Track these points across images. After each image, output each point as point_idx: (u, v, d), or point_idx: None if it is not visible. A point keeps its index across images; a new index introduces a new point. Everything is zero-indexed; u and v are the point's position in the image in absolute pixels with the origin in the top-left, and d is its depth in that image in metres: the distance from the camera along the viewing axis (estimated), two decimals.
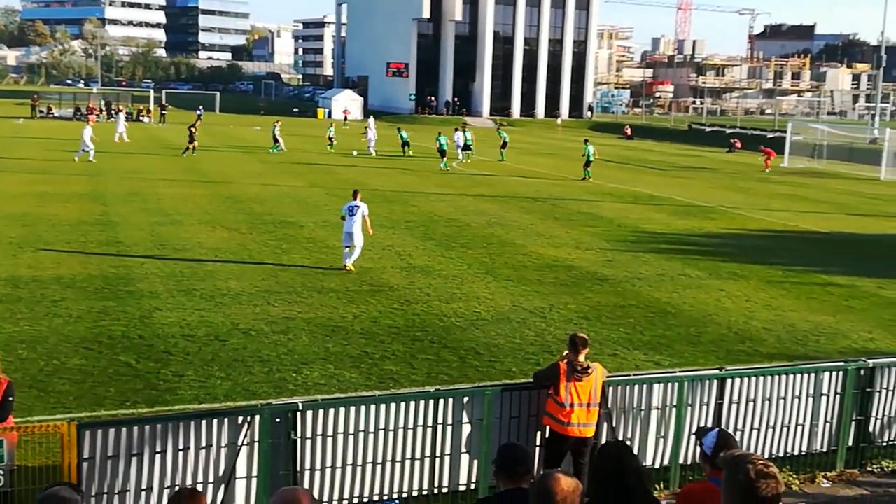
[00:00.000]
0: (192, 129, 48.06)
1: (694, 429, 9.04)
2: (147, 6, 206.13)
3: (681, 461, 9.78)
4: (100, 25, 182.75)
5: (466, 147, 50.85)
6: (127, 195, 31.33)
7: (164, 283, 18.28)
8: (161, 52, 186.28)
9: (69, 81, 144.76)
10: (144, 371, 12.95)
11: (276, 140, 52.22)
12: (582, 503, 4.20)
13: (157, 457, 8.03)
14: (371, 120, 63.10)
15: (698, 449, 6.55)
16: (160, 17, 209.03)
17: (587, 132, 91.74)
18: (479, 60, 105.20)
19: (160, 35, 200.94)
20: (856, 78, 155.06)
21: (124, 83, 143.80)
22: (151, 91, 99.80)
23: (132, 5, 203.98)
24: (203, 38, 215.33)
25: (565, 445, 9.02)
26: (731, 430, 9.91)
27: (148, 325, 15.26)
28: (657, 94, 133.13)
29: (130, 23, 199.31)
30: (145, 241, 22.87)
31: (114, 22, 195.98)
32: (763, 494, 3.75)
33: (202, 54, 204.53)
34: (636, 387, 9.62)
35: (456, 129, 54.40)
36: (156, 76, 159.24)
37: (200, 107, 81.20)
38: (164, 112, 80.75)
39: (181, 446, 8.12)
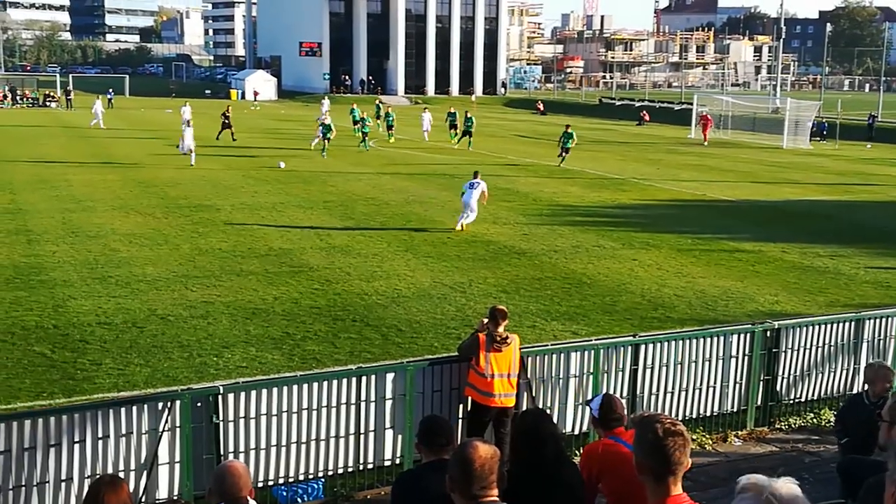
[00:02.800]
0: (227, 115, 47.68)
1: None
2: None
3: None
4: (0, 9, 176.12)
5: (454, 126, 48.45)
6: (35, 182, 30.50)
7: (78, 270, 17.91)
8: (66, 36, 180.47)
9: None
10: (60, 361, 12.71)
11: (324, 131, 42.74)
12: (501, 470, 4.31)
13: (77, 446, 7.94)
14: (326, 103, 61.92)
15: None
16: None
17: (501, 108, 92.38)
18: (392, 38, 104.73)
19: (64, 18, 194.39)
20: (757, 50, 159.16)
21: (28, 68, 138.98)
22: (58, 76, 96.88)
23: None
24: (109, 20, 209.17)
25: (487, 416, 9.20)
26: (646, 395, 10.26)
27: (62, 314, 14.96)
28: (568, 70, 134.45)
29: (33, 5, 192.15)
30: (56, 228, 22.35)
31: (15, 5, 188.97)
32: (671, 452, 3.90)
33: (109, 37, 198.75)
34: (554, 356, 9.84)
35: (425, 110, 53.93)
36: (62, 60, 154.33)
37: (110, 90, 79.18)
38: (69, 97, 78.56)
39: (101, 435, 8.04)
